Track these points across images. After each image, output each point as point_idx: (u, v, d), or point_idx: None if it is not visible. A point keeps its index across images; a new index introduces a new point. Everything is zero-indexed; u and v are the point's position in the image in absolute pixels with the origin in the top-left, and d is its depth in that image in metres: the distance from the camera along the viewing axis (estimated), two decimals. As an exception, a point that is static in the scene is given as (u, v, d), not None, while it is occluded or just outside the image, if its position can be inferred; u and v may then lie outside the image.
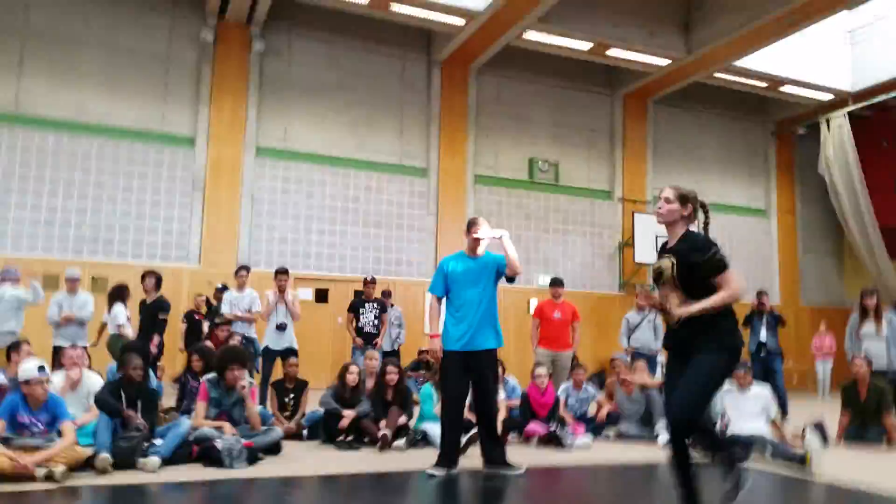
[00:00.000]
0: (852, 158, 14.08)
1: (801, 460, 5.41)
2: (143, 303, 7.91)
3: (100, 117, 10.60)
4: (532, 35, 11.73)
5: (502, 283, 5.21)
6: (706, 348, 3.21)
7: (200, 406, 5.31)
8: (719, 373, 3.26)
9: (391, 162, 12.32)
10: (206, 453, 4.93)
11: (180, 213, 10.96)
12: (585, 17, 11.65)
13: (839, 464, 5.48)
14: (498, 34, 11.57)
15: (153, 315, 7.73)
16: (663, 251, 3.52)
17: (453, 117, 12.70)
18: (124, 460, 4.63)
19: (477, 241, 5.13)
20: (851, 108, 13.89)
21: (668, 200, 3.46)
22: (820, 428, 6.74)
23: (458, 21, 11.14)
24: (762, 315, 9.05)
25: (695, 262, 3.26)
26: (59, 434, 4.62)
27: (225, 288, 8.75)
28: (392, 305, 9.49)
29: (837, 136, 14.31)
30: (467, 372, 5.02)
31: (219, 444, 4.88)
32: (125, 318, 7.52)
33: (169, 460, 4.81)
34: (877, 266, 14.01)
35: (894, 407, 7.17)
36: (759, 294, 9.30)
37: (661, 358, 9.79)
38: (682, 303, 3.28)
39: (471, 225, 5.20)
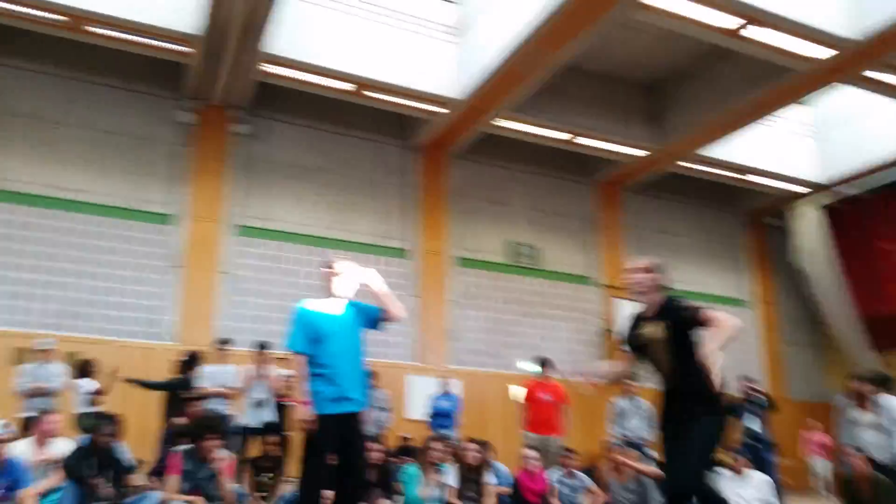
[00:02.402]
0: (826, 249, 14.37)
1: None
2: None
3: (78, 194, 10.48)
4: (507, 123, 12.04)
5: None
6: (696, 415, 3.23)
7: (172, 478, 4.92)
8: (713, 435, 3.29)
9: (371, 242, 12.26)
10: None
11: (156, 289, 10.66)
12: (558, 107, 12.01)
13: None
14: (472, 122, 11.85)
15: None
16: (643, 320, 3.55)
17: (433, 200, 12.79)
18: (87, 536, 4.24)
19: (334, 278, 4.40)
20: (820, 198, 14.29)
21: (637, 270, 3.56)
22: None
23: (433, 108, 11.42)
24: (749, 402, 8.84)
25: (683, 318, 3.34)
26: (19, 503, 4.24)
27: (193, 359, 8.27)
28: (376, 388, 9.15)
29: (808, 227, 14.68)
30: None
31: (191, 521, 4.49)
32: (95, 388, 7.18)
33: (136, 538, 4.41)
34: (858, 358, 14.02)
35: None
36: (743, 380, 9.12)
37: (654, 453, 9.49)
38: (674, 366, 3.33)
39: (329, 261, 4.53)
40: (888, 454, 7.21)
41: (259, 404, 7.29)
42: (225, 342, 7.98)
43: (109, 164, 10.81)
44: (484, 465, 6.62)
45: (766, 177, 14.03)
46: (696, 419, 3.21)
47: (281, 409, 8.21)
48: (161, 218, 10.96)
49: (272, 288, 11.32)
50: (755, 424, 8.58)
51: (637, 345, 3.53)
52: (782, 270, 15.74)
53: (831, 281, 14.40)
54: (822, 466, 12.51)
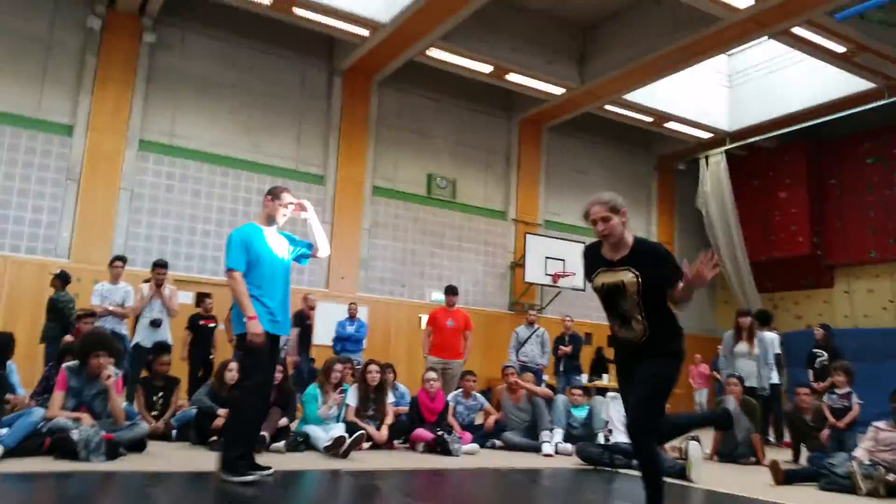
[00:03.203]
0: (728, 195, 15.08)
1: (681, 471, 5.56)
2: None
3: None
4: (435, 53, 11.82)
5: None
6: (656, 355, 3.21)
7: (57, 395, 4.77)
8: (670, 377, 3.26)
9: (287, 167, 11.96)
10: (58, 445, 4.42)
11: (51, 203, 10.12)
12: (487, 40, 11.88)
13: (713, 476, 5.66)
14: (401, 48, 11.58)
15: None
16: (611, 264, 3.30)
17: (354, 127, 12.54)
18: (-42, 450, 4.08)
19: (284, 208, 4.45)
20: (728, 147, 14.89)
21: (605, 219, 3.24)
22: (697, 442, 7.01)
23: (362, 31, 11.06)
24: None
25: (664, 276, 3.18)
26: None
27: (64, 275, 8.06)
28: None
29: (714, 173, 15.30)
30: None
31: (75, 434, 4.39)
32: None
33: (14, 451, 4.28)
34: (746, 297, 14.96)
35: (762, 424, 7.56)
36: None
37: (546, 377, 9.99)
38: (642, 316, 3.22)
39: (279, 192, 4.48)
40: (760, 381, 7.93)
41: (153, 323, 7.13)
42: (121, 259, 7.68)
43: (9, 68, 10.04)
44: (385, 385, 6.74)
45: (681, 123, 14.43)
46: (657, 358, 3.21)
47: (199, 330, 8.14)
48: (61, 128, 10.32)
49: (176, 208, 10.95)
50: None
51: (608, 291, 3.30)
52: (685, 213, 16.45)
53: (728, 225, 15.15)
54: (700, 396, 13.61)
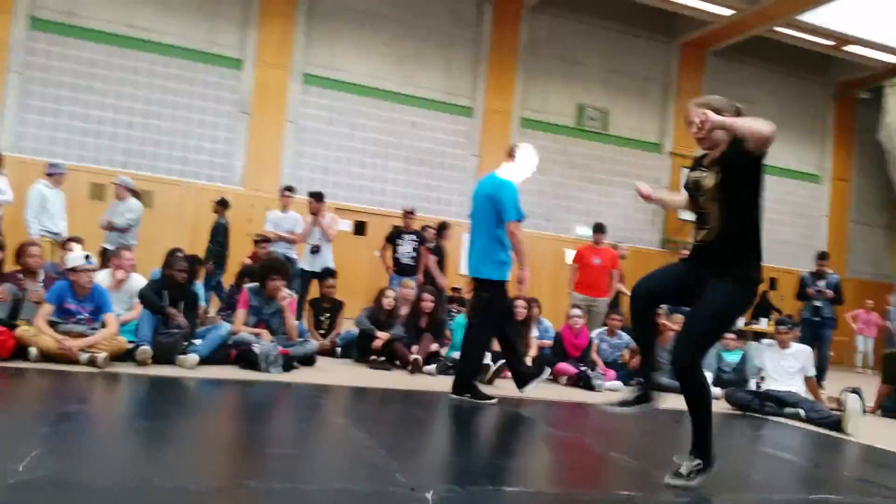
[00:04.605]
0: (917, 128, 13.48)
1: (836, 423, 5.32)
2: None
3: (149, 33, 10.62)
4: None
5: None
6: (725, 276, 2.92)
7: (240, 312, 5.40)
8: (732, 309, 3.00)
9: (436, 99, 12.15)
10: (243, 356, 5.03)
11: (226, 134, 11.02)
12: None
13: (874, 431, 5.36)
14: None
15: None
16: (699, 165, 3.13)
17: (503, 57, 12.41)
18: (164, 355, 4.77)
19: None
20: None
21: (704, 122, 2.93)
22: (857, 394, 6.62)
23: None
24: (822, 278, 8.73)
25: (739, 164, 2.90)
26: (103, 324, 4.75)
27: (224, 201, 8.88)
28: (432, 240, 9.42)
29: (903, 103, 13.68)
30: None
31: (256, 348, 4.98)
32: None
33: (207, 360, 4.93)
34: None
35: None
36: (821, 255, 8.96)
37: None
38: (721, 217, 2.96)
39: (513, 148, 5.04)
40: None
41: (312, 250, 7.69)
42: (290, 189, 8.30)
43: (181, 3, 10.83)
44: (530, 319, 6.92)
45: (865, 46, 12.93)
46: (724, 282, 2.91)
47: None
48: (231, 62, 11.08)
49: (336, 139, 11.52)
50: (820, 301, 8.53)
51: (689, 189, 3.13)
52: (865, 148, 14.92)
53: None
54: (865, 344, 12.68)
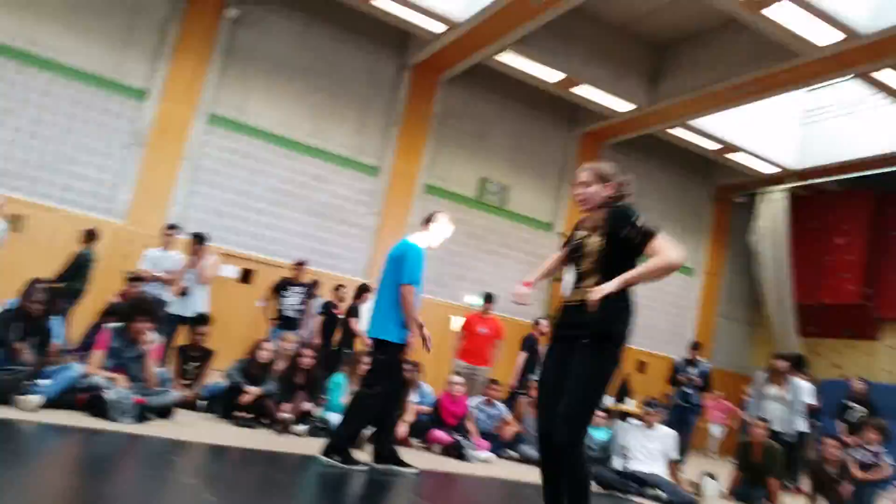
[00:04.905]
0: (783, 234, 14.69)
1: (693, 504, 5.52)
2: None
3: (52, 52, 10.13)
4: (506, 57, 11.84)
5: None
6: (593, 340, 2.85)
7: (97, 353, 5.02)
8: (608, 377, 2.90)
9: (344, 154, 12.17)
10: (93, 403, 4.65)
11: (116, 165, 10.52)
12: (560, 49, 11.82)
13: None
14: (473, 49, 11.61)
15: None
16: (582, 226, 3.17)
17: (415, 122, 12.66)
18: (2, 394, 4.33)
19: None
20: (791, 185, 14.52)
21: (585, 184, 3.06)
22: (712, 478, 6.95)
23: (438, 27, 11.15)
24: (694, 366, 9.13)
25: (626, 236, 2.90)
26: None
27: (92, 233, 8.56)
28: (319, 296, 9.28)
29: (773, 210, 14.92)
30: None
31: (108, 394, 4.62)
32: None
33: (53, 403, 4.52)
34: (785, 339, 14.57)
35: (783, 472, 7.42)
36: (695, 345, 9.41)
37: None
38: (593, 283, 2.92)
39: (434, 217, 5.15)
40: (787, 426, 7.79)
41: (182, 293, 7.30)
42: (173, 227, 7.95)
43: (93, 25, 10.40)
44: (410, 383, 6.85)
45: (746, 154, 14.11)
46: (594, 346, 2.84)
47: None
48: (134, 92, 10.69)
49: (234, 183, 11.24)
50: (690, 388, 8.89)
51: (573, 250, 3.15)
52: (736, 247, 16.10)
53: (779, 264, 14.78)
54: (719, 431, 13.41)
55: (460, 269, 12.96)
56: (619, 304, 2.90)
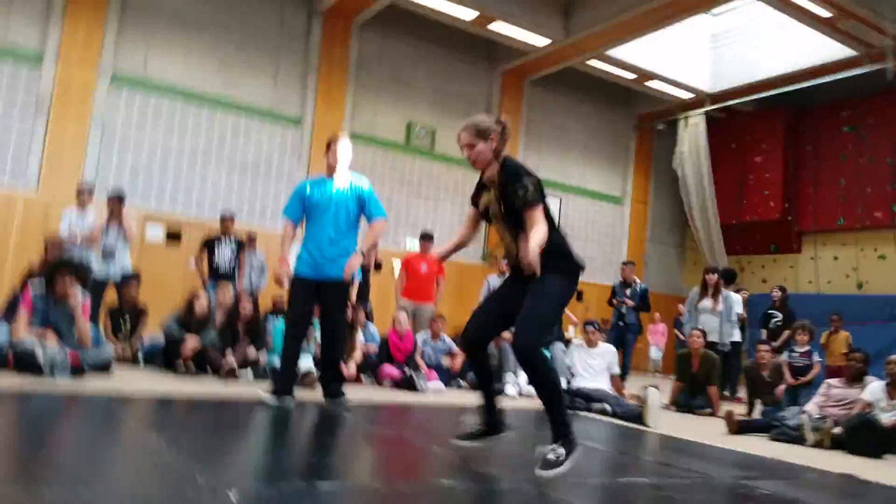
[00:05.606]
0: (704, 157, 15.18)
1: (638, 416, 5.73)
2: None
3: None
4: (417, -7, 11.58)
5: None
6: (547, 272, 2.94)
7: (23, 313, 4.75)
8: (562, 295, 3.08)
9: (264, 107, 11.76)
10: (24, 359, 4.40)
11: (18, 135, 9.85)
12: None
13: (670, 423, 5.85)
14: (383, -13, 11.33)
15: None
16: (481, 185, 3.26)
17: (333, 70, 12.31)
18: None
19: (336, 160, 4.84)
20: (707, 108, 14.94)
21: (470, 146, 3.12)
22: (656, 389, 7.22)
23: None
24: (628, 287, 9.35)
25: (511, 195, 3.01)
26: None
27: None
28: (254, 250, 9.02)
29: (692, 135, 15.37)
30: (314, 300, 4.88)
31: (40, 352, 4.38)
32: None
33: (-24, 368, 4.27)
34: (714, 259, 15.21)
35: (721, 379, 7.79)
36: (625, 265, 9.62)
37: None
38: (515, 239, 3.09)
39: (332, 142, 4.89)
40: (722, 338, 8.14)
41: (107, 254, 7.01)
42: (88, 187, 7.54)
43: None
44: (355, 324, 6.81)
45: (662, 82, 14.41)
46: (551, 274, 2.96)
47: None
48: (28, 56, 9.98)
49: (147, 144, 10.73)
50: (625, 308, 9.14)
51: (481, 211, 3.26)
52: (661, 173, 16.57)
53: (702, 187, 15.31)
54: (656, 352, 14.04)
55: (397, 216, 12.87)
56: (552, 250, 3.00)
